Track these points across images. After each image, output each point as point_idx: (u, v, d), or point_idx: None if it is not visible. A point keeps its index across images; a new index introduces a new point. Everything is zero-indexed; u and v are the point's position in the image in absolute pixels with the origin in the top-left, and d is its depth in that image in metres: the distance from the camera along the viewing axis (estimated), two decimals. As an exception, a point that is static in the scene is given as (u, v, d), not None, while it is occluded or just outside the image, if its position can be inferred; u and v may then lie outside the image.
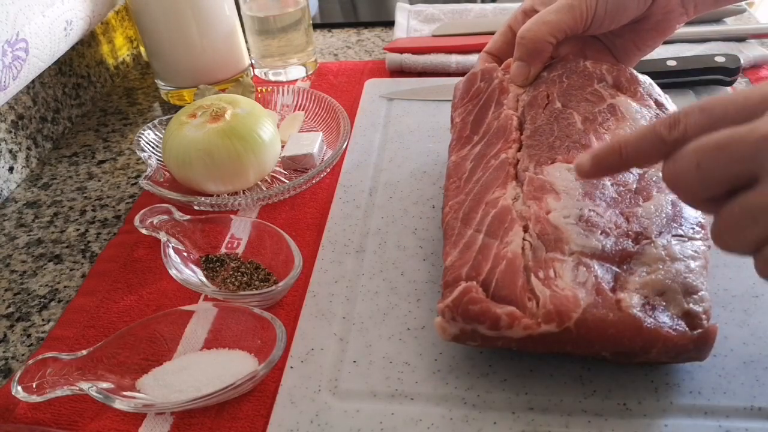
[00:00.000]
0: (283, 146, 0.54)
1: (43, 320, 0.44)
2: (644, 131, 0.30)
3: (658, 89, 0.46)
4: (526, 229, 0.36)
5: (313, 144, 0.53)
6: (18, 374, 0.35)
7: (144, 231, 0.45)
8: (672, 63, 0.59)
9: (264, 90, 0.62)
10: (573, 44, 0.47)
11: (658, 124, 0.30)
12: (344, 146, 0.52)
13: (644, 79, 0.45)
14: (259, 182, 0.52)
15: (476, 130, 0.45)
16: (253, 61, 0.70)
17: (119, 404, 0.34)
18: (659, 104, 0.44)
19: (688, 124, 0.29)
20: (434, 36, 0.74)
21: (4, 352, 0.41)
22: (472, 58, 0.67)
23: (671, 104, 0.45)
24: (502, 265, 0.34)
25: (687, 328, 0.32)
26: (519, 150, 0.42)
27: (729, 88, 0.60)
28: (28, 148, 0.59)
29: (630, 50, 0.47)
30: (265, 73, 0.70)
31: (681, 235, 0.35)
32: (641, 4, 0.42)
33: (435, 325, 0.35)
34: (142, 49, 0.79)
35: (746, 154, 0.26)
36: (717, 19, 0.72)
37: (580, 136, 0.40)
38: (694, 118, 0.29)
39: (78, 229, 0.52)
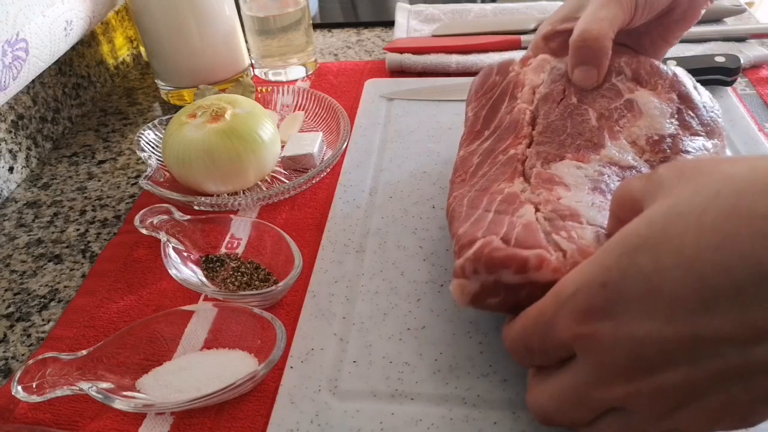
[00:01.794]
0: (283, 146, 0.54)
1: (43, 320, 0.44)
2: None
3: (687, 80, 0.43)
4: (537, 209, 0.35)
5: (313, 144, 0.53)
6: (18, 374, 0.35)
7: (144, 231, 0.45)
8: (672, 63, 0.59)
9: (264, 90, 0.62)
10: None
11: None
12: (344, 146, 0.52)
13: (668, 70, 0.43)
14: (259, 182, 0.52)
15: (488, 125, 0.44)
16: (253, 61, 0.70)
17: (119, 404, 0.34)
18: (684, 97, 0.42)
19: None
20: (434, 36, 0.74)
21: (4, 352, 0.41)
22: (473, 58, 0.67)
23: (703, 96, 0.43)
24: (519, 227, 0.33)
25: None
26: (529, 146, 0.40)
27: (729, 89, 0.60)
28: (28, 148, 0.59)
29: (658, 45, 0.47)
30: (265, 73, 0.70)
31: None
32: None
33: (452, 289, 0.33)
34: (142, 49, 0.79)
35: None
36: (717, 19, 0.72)
37: (593, 134, 0.39)
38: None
39: (78, 229, 0.52)
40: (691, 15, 0.44)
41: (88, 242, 0.50)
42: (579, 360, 0.27)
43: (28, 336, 0.42)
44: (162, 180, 0.51)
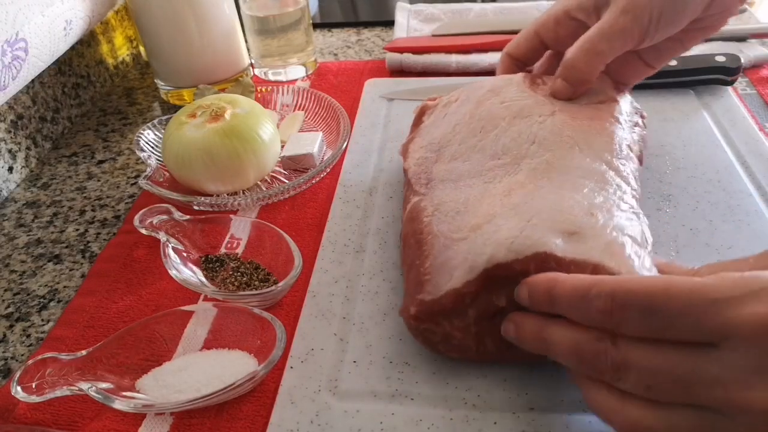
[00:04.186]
0: (283, 146, 0.54)
1: (42, 320, 0.43)
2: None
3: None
4: None
5: (313, 144, 0.53)
6: (17, 374, 0.35)
7: (143, 231, 0.45)
8: (672, 63, 0.58)
9: (264, 90, 0.62)
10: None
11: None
12: (344, 146, 0.52)
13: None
14: (258, 182, 0.52)
15: None
16: (252, 61, 0.70)
17: (119, 404, 0.34)
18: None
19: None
20: (434, 36, 0.74)
21: (3, 352, 0.41)
22: (473, 58, 0.67)
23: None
24: None
25: None
26: None
27: (729, 88, 0.60)
28: (28, 148, 0.59)
29: (673, 49, 0.44)
30: (264, 73, 0.70)
31: None
32: (697, 8, 0.40)
33: None
34: (141, 48, 0.79)
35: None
36: (717, 19, 0.71)
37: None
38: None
39: (77, 229, 0.51)
40: (719, 22, 0.42)
41: (88, 242, 0.50)
42: (729, 350, 0.24)
43: (28, 336, 0.42)
44: (161, 180, 0.51)
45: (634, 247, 0.33)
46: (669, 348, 0.26)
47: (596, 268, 0.31)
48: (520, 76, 0.47)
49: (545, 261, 0.32)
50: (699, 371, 0.25)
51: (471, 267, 0.33)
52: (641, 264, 0.32)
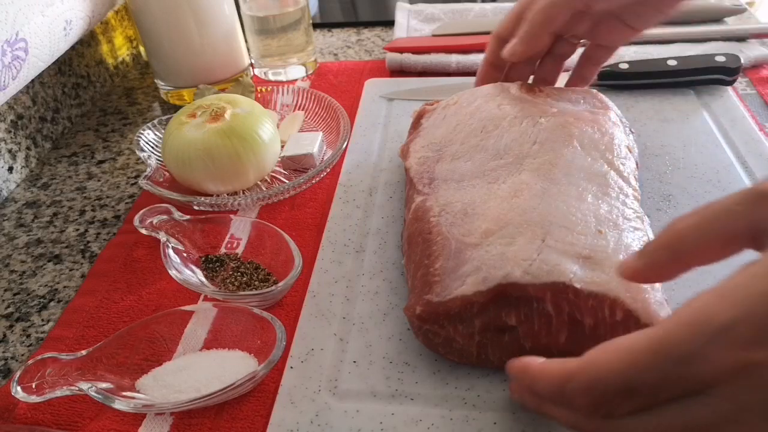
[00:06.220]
0: (283, 146, 0.54)
1: (42, 320, 0.43)
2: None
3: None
4: None
5: (313, 144, 0.53)
6: (17, 374, 0.35)
7: (143, 231, 0.45)
8: (672, 63, 0.58)
9: (264, 90, 0.62)
10: (585, 23, 0.47)
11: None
12: (344, 146, 0.52)
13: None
14: (258, 182, 0.52)
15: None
16: (252, 61, 0.70)
17: (119, 404, 0.34)
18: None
19: None
20: (434, 36, 0.74)
21: (3, 352, 0.41)
22: (472, 58, 0.67)
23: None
24: None
25: None
26: None
27: (729, 88, 0.60)
28: (28, 148, 0.59)
29: (649, 13, 0.46)
30: (264, 73, 0.70)
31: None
32: None
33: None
34: (141, 48, 0.79)
35: None
36: (717, 19, 0.72)
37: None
38: None
39: (77, 229, 0.51)
40: None
41: (88, 242, 0.50)
42: (715, 396, 0.24)
43: (28, 336, 0.42)
44: (161, 180, 0.51)
45: None
46: (660, 410, 0.26)
47: (614, 303, 0.32)
48: (517, 83, 0.48)
49: (563, 291, 0.32)
50: (694, 424, 0.25)
51: (485, 278, 0.33)
52: (654, 295, 0.33)
